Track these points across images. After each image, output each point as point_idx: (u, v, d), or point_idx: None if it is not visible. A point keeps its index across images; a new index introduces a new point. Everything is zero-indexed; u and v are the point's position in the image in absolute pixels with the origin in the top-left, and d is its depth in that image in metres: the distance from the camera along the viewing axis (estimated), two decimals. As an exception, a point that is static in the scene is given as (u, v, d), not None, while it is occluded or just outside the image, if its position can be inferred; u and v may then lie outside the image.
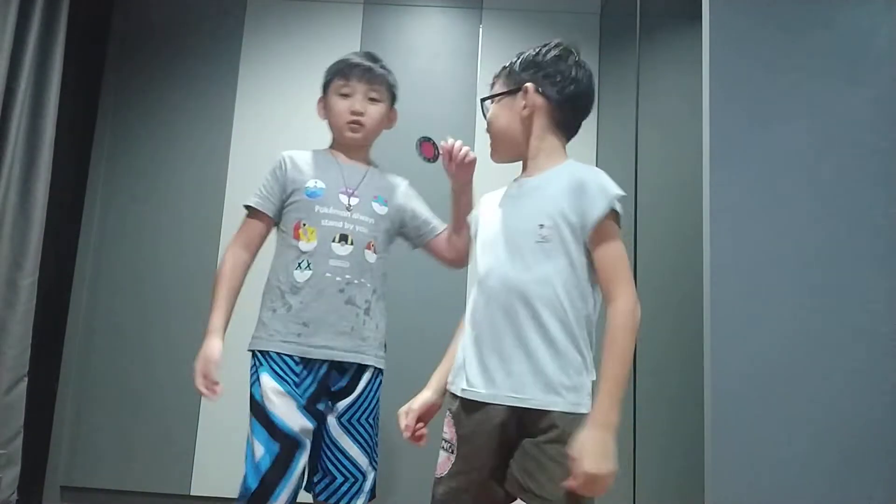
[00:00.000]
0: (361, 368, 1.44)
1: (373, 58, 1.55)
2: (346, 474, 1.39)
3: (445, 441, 1.20)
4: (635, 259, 2.13)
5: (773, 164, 1.52)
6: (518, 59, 1.24)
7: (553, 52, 1.21)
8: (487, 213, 1.28)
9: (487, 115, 1.28)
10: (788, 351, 1.46)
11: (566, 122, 1.22)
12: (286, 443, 1.31)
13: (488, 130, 1.28)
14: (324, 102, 1.56)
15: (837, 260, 1.49)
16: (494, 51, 2.70)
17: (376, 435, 1.48)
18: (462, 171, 1.43)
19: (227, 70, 2.68)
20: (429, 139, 1.43)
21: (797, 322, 1.47)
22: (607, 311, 1.10)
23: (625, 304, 1.08)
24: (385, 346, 1.55)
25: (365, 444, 1.43)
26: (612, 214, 1.10)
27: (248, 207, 1.48)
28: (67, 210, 2.55)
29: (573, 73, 1.20)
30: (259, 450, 1.31)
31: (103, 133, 2.65)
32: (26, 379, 2.24)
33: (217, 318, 1.40)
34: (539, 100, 1.19)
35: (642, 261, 2.11)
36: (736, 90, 1.54)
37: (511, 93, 1.22)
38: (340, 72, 1.51)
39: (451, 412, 1.20)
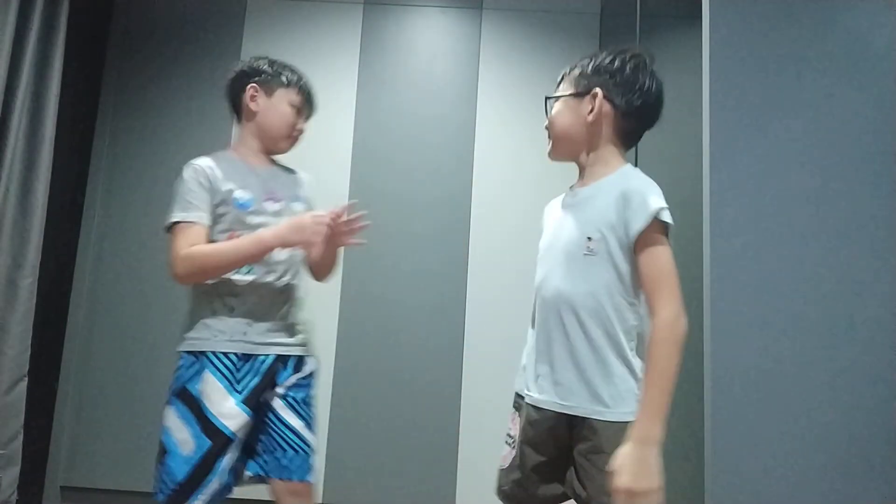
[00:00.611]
0: (301, 360, 1.51)
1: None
2: (294, 447, 1.44)
3: (509, 436, 1.26)
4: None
5: (773, 164, 1.52)
6: (591, 61, 1.22)
7: (630, 63, 1.18)
8: (549, 221, 1.30)
9: (550, 113, 1.26)
10: (788, 351, 1.46)
11: (629, 133, 1.21)
12: (218, 440, 1.36)
13: (548, 128, 1.26)
14: (260, 94, 1.53)
15: (837, 260, 1.49)
16: (494, 51, 2.70)
17: (315, 418, 1.53)
18: (346, 236, 1.46)
19: (226, 70, 2.67)
20: None
21: (797, 322, 1.47)
22: (650, 323, 1.09)
23: (666, 316, 1.06)
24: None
25: (310, 421, 1.48)
26: (658, 226, 1.09)
27: (180, 224, 1.41)
28: (67, 210, 2.55)
29: (645, 84, 1.17)
30: (189, 444, 1.35)
31: (103, 133, 2.66)
32: (26, 379, 2.24)
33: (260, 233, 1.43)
34: (607, 107, 1.18)
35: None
36: (736, 90, 1.54)
37: (579, 95, 1.20)
38: (301, 89, 1.56)
39: (515, 409, 1.26)
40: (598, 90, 1.17)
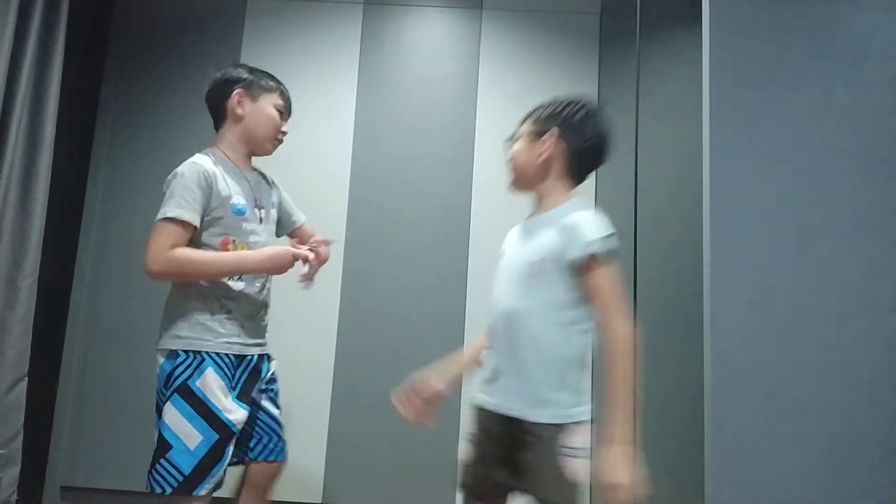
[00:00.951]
0: (269, 356, 1.68)
1: None
2: (274, 434, 1.63)
3: (470, 433, 1.39)
4: (635, 259, 2.13)
5: (772, 164, 1.52)
6: (547, 107, 1.38)
7: (580, 111, 1.35)
8: (508, 245, 1.45)
9: (510, 151, 1.42)
10: (788, 352, 1.46)
11: (578, 170, 1.37)
12: (224, 433, 1.44)
13: (509, 164, 1.42)
14: (245, 99, 1.59)
15: (838, 259, 1.49)
16: (494, 51, 2.71)
17: None
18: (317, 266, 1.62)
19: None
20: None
21: (797, 322, 1.47)
22: (604, 337, 1.23)
23: (614, 332, 1.21)
24: None
25: (281, 410, 1.68)
26: (598, 252, 1.24)
27: (171, 219, 1.44)
28: (67, 210, 2.55)
29: (593, 129, 1.35)
30: (195, 438, 1.41)
31: (103, 133, 2.66)
32: (26, 379, 2.24)
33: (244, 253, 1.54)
34: (559, 148, 1.34)
35: (642, 261, 2.11)
36: (736, 90, 1.54)
37: (536, 136, 1.36)
38: (283, 94, 1.64)
39: (475, 409, 1.38)
40: (552, 133, 1.34)
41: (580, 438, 1.25)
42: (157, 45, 2.71)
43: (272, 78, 1.66)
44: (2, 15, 2.11)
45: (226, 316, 1.51)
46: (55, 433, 2.47)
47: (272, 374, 1.68)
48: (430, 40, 2.73)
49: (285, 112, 1.65)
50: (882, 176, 1.52)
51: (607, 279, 1.24)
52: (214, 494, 1.49)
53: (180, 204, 1.44)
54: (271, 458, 1.61)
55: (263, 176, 1.70)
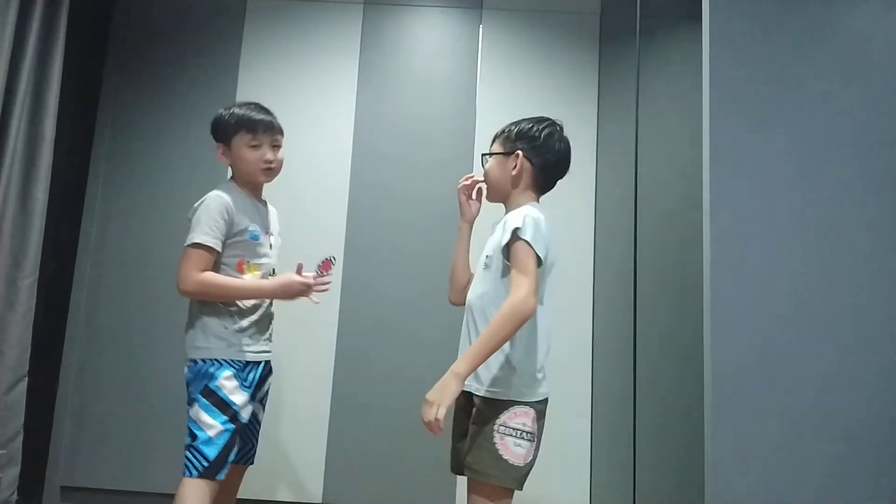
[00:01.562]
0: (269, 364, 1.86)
1: (267, 111, 1.79)
2: (255, 439, 1.82)
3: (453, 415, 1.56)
4: (635, 259, 2.13)
5: (772, 164, 1.52)
6: (515, 127, 1.57)
7: (545, 130, 1.54)
8: None
9: (485, 167, 1.61)
10: (788, 351, 1.46)
11: (543, 182, 1.57)
12: (239, 426, 1.67)
13: (485, 179, 1.62)
14: (226, 150, 1.77)
15: (837, 259, 1.49)
16: (494, 51, 2.71)
17: None
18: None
19: (227, 70, 2.68)
20: (327, 259, 1.83)
21: (797, 322, 1.47)
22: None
23: (510, 300, 1.37)
24: None
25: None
26: (519, 240, 1.40)
27: (199, 245, 1.66)
28: (67, 210, 2.55)
29: (556, 146, 1.55)
30: (216, 428, 1.62)
31: (103, 133, 2.66)
32: (26, 379, 2.24)
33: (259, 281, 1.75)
34: (527, 164, 1.54)
35: (642, 260, 2.11)
36: (736, 90, 1.54)
37: (506, 154, 1.56)
38: (246, 127, 1.74)
39: None
40: (519, 152, 1.53)
41: (519, 419, 1.40)
42: (157, 45, 2.71)
43: (244, 108, 1.75)
44: (2, 15, 2.11)
45: (239, 328, 1.70)
46: (55, 433, 2.47)
47: (268, 382, 1.85)
48: (430, 40, 2.73)
49: (263, 139, 1.74)
50: (883, 175, 1.52)
51: (521, 260, 1.40)
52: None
53: (206, 232, 1.66)
54: (245, 461, 1.80)
55: (266, 206, 1.86)
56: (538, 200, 1.57)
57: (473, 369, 1.36)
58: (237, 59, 2.68)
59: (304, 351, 2.51)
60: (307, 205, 2.58)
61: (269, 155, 1.75)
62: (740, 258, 1.48)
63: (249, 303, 1.73)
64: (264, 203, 1.85)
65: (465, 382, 1.41)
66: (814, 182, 1.52)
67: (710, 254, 1.48)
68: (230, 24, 2.71)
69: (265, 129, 1.75)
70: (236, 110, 1.75)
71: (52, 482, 2.44)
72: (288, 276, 1.75)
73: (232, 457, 1.64)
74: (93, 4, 2.63)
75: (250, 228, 1.73)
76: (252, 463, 1.83)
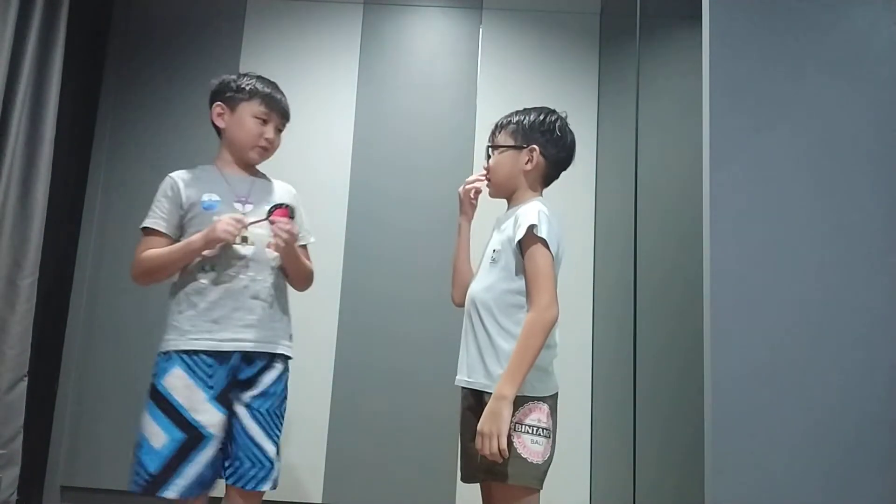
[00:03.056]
0: (271, 361, 1.57)
1: (282, 92, 1.68)
2: (254, 460, 1.49)
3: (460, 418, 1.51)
4: (635, 259, 2.13)
5: (773, 164, 1.52)
6: (525, 118, 1.50)
7: (557, 123, 1.49)
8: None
9: (490, 162, 1.53)
10: (788, 352, 1.46)
11: (551, 176, 1.53)
12: (191, 433, 1.42)
13: (489, 174, 1.54)
14: (226, 111, 1.63)
15: (837, 260, 1.49)
16: (494, 51, 2.71)
17: (281, 426, 1.59)
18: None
19: (227, 70, 2.66)
20: (281, 206, 1.58)
21: (797, 323, 1.47)
22: (529, 309, 1.37)
23: (534, 310, 1.34)
24: (291, 336, 1.67)
25: (273, 434, 1.54)
26: (536, 238, 1.36)
27: (145, 229, 1.56)
28: (67, 210, 2.55)
29: (568, 140, 1.51)
30: (161, 437, 1.40)
31: (103, 133, 2.66)
32: (26, 379, 2.24)
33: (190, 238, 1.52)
34: (540, 159, 1.48)
35: (642, 261, 2.11)
36: (736, 90, 1.54)
37: (518, 148, 1.49)
38: (264, 99, 1.62)
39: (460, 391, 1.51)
40: (536, 146, 1.47)
41: (534, 416, 1.35)
42: (156, 45, 2.71)
43: (261, 83, 1.64)
44: (2, 15, 2.11)
45: (193, 312, 1.50)
46: (55, 433, 2.47)
47: (268, 386, 1.56)
48: (430, 40, 2.73)
49: (271, 118, 1.63)
50: (882, 175, 1.52)
51: (538, 262, 1.35)
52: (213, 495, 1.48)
53: (150, 215, 1.56)
54: (239, 484, 1.47)
55: (266, 180, 1.70)
56: (542, 194, 1.54)
57: (518, 388, 1.29)
58: (237, 59, 2.68)
59: (304, 351, 2.51)
60: (307, 205, 2.56)
61: (271, 135, 1.64)
62: (741, 257, 1.48)
63: (207, 278, 1.51)
64: (261, 176, 1.69)
65: (473, 380, 1.40)
66: (814, 182, 1.52)
67: (710, 253, 1.48)
68: (230, 24, 2.71)
69: (281, 110, 1.66)
70: (256, 82, 1.64)
71: (52, 482, 2.44)
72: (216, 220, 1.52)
73: (191, 475, 1.39)
74: (92, 5, 2.63)
75: (203, 198, 1.56)
76: (255, 489, 1.48)
